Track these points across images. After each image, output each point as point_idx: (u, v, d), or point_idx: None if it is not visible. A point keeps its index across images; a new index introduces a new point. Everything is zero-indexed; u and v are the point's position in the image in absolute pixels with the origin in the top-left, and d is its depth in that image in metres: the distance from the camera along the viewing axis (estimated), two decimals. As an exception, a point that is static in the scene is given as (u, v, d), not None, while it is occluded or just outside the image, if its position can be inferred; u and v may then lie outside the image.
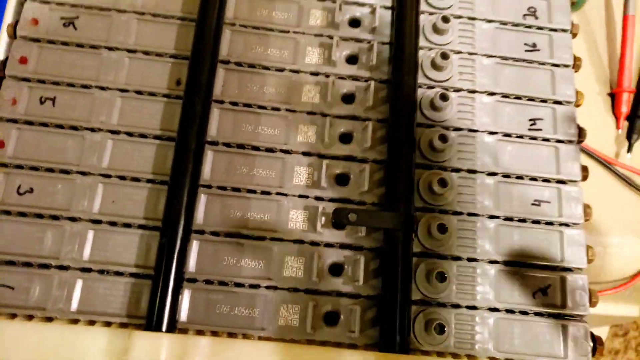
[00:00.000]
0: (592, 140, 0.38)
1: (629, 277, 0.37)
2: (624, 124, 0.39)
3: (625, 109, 0.39)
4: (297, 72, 0.25)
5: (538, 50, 0.27)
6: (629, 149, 0.38)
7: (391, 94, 0.25)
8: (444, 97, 0.25)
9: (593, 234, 0.36)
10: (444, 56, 0.25)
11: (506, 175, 0.25)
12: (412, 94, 0.24)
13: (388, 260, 0.22)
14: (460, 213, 0.24)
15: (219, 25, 0.25)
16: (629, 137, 0.38)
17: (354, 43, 0.26)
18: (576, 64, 0.27)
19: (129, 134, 0.24)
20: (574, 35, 0.28)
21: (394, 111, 0.24)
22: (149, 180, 0.24)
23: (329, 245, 0.23)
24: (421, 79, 0.26)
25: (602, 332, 0.70)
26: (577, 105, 0.27)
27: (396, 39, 0.25)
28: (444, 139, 0.24)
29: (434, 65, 0.26)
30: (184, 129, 0.23)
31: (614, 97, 0.39)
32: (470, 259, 0.24)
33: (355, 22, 0.27)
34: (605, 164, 0.38)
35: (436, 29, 0.26)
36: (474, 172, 0.25)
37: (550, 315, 0.23)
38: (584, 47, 0.38)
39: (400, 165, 0.23)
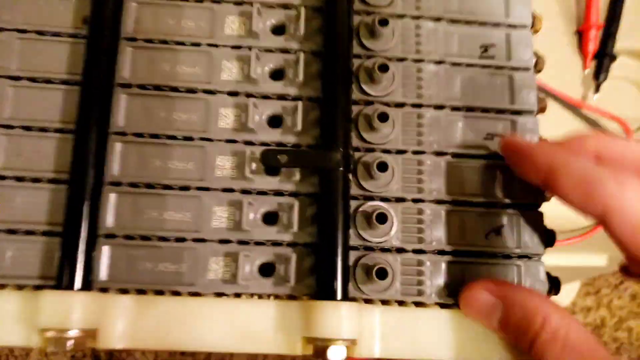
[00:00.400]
0: (558, 83, 0.37)
1: (594, 225, 0.36)
2: (592, 64, 0.37)
3: (592, 46, 0.37)
4: (218, 1, 0.23)
5: (491, -31, 0.25)
6: (596, 89, 0.37)
7: (325, 21, 0.23)
8: (383, 22, 0.23)
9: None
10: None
11: (456, 108, 0.23)
12: (347, 20, 0.22)
13: (324, 204, 0.21)
14: (404, 152, 0.23)
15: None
16: (596, 76, 0.37)
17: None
18: (533, -15, 0.25)
19: (33, 80, 0.22)
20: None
21: (328, 40, 0.22)
22: (57, 130, 0.22)
23: (261, 193, 0.22)
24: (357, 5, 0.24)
25: (573, 289, 0.70)
26: (535, 31, 0.25)
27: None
28: (384, 68, 0.22)
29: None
30: (89, 70, 0.21)
31: (581, 35, 0.38)
32: (415, 200, 0.22)
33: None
34: (572, 107, 0.37)
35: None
36: (419, 106, 0.23)
37: (504, 256, 0.22)
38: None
39: (335, 101, 0.22)
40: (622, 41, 0.37)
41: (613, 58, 0.37)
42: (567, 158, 0.19)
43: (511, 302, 0.19)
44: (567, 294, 0.70)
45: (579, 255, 0.41)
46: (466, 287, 0.21)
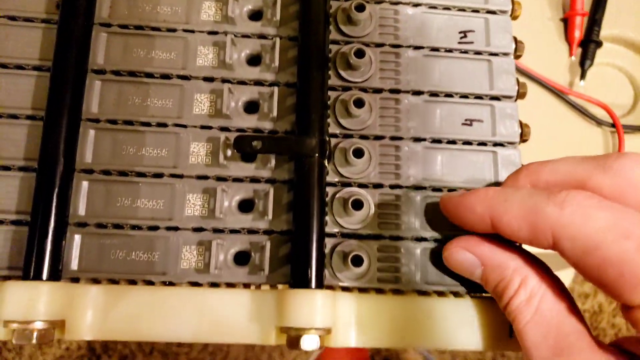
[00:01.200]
0: (544, 69, 0.35)
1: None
2: (578, 51, 0.36)
3: (578, 33, 0.36)
4: (195, -12, 0.22)
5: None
6: (582, 76, 0.36)
7: (301, 6, 0.21)
8: (360, 8, 0.21)
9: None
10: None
11: (434, 94, 0.22)
12: (323, 5, 0.21)
13: (299, 191, 0.20)
14: (382, 137, 0.21)
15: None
16: (582, 63, 0.36)
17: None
18: (513, -28, 0.24)
19: (3, 66, 0.21)
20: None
21: (303, 25, 0.21)
22: (28, 117, 0.20)
23: (237, 180, 0.21)
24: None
25: (567, 275, 0.68)
26: (515, 17, 0.24)
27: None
28: (360, 54, 0.21)
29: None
30: (59, 55, 0.20)
31: (566, 23, 0.36)
32: (393, 186, 0.21)
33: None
34: (559, 94, 0.36)
35: None
36: (397, 91, 0.22)
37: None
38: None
39: (310, 87, 0.20)
40: (608, 28, 0.35)
41: (599, 45, 0.35)
42: (504, 195, 0.17)
43: (490, 263, 0.18)
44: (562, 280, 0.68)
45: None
46: (447, 244, 0.19)
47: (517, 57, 0.23)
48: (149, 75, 0.21)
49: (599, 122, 0.35)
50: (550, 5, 0.35)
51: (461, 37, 0.23)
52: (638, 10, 0.36)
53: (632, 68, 0.36)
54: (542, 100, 0.34)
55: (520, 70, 0.34)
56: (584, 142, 0.35)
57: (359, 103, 0.20)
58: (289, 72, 0.21)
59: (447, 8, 0.23)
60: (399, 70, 0.22)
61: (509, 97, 0.22)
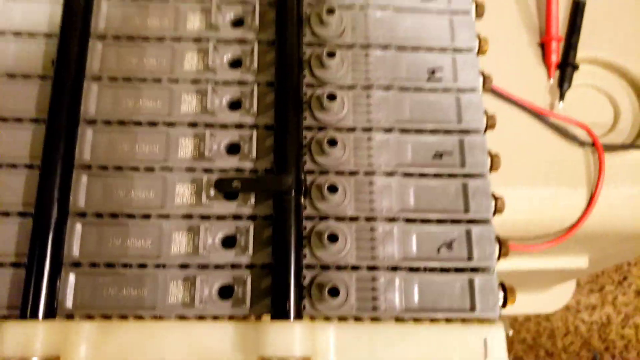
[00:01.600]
0: (525, 93, 0.36)
1: (567, 229, 0.35)
2: (556, 73, 0.37)
3: (555, 57, 0.37)
4: (178, 39, 0.24)
5: (436, -3, 0.25)
6: (561, 98, 0.37)
7: (277, 55, 0.23)
8: (331, 55, 0.23)
9: (529, 187, 0.34)
10: (330, 11, 0.23)
11: (404, 130, 0.23)
12: (297, 53, 0.23)
13: (277, 226, 0.21)
14: (356, 172, 0.23)
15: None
16: (560, 85, 0.37)
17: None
18: (478, 11, 0.26)
19: (3, 119, 0.22)
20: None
21: (279, 72, 0.23)
22: (27, 166, 0.22)
23: (220, 217, 0.22)
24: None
25: (570, 287, 0.68)
26: (483, 52, 0.25)
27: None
28: (332, 97, 0.22)
29: (321, 21, 0.24)
30: (54, 106, 0.22)
31: (544, 47, 0.38)
32: (368, 219, 0.22)
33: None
34: (540, 116, 0.37)
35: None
36: (369, 129, 0.23)
37: (456, 270, 0.22)
38: (513, -3, 0.37)
39: (287, 128, 0.22)
40: (584, 50, 0.37)
41: (575, 67, 0.37)
42: None
43: None
44: (563, 294, 0.67)
45: (560, 258, 0.41)
46: None
47: (485, 89, 0.25)
48: (137, 123, 0.23)
49: (580, 143, 0.36)
50: (528, 31, 0.37)
51: (430, 75, 0.24)
52: (612, 32, 0.37)
53: (610, 88, 0.37)
54: (524, 123, 0.35)
55: (500, 95, 0.35)
56: (566, 162, 0.35)
57: (332, 142, 0.22)
58: (267, 115, 0.23)
59: (415, 48, 0.24)
60: (370, 110, 0.23)
61: (477, 131, 0.23)
